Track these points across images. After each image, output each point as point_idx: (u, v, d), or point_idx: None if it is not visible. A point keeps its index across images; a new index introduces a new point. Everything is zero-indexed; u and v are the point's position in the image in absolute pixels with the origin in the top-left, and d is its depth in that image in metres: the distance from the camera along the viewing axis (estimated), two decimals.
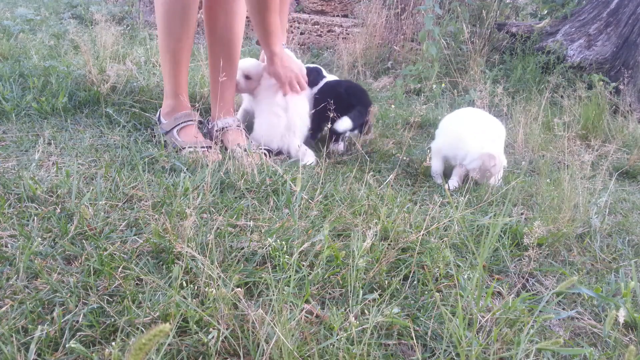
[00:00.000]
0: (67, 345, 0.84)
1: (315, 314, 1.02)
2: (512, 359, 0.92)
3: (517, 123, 2.51)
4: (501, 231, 1.46)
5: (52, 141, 1.72)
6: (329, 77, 2.28)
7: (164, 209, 1.30)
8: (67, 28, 3.59)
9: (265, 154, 1.88)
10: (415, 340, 0.96)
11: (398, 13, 4.27)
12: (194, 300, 0.97)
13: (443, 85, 3.51)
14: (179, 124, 1.89)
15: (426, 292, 1.14)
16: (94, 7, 4.75)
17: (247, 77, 2.06)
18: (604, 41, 3.59)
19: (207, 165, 1.52)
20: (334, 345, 0.92)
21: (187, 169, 1.61)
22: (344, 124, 1.96)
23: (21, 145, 1.67)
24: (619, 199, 1.98)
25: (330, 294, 1.11)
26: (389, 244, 1.25)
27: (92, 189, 1.36)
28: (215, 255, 1.09)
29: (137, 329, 0.91)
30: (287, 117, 1.98)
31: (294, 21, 4.88)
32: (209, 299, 0.95)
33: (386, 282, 1.15)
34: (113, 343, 0.78)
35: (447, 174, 2.04)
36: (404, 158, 2.06)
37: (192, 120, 1.88)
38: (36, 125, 1.87)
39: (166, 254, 1.13)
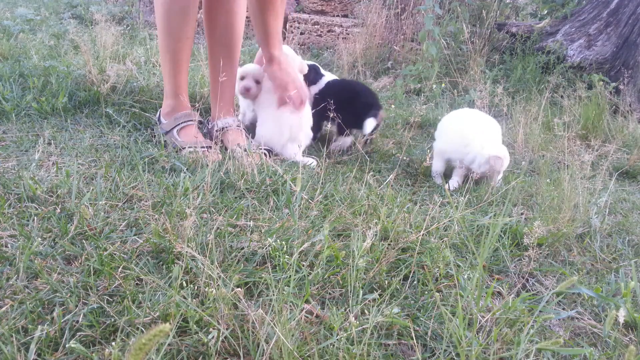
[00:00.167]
0: (67, 345, 0.84)
1: (315, 314, 1.02)
2: (512, 359, 0.92)
3: (517, 123, 2.51)
4: (501, 231, 1.46)
5: (52, 141, 1.72)
6: (327, 75, 2.29)
7: (164, 209, 1.30)
8: (67, 28, 3.59)
9: (265, 154, 1.88)
10: (415, 340, 0.97)
11: (398, 13, 4.27)
12: (194, 300, 0.97)
13: (443, 85, 3.51)
14: (179, 124, 1.89)
15: (426, 292, 1.14)
16: (94, 7, 4.75)
17: (258, 82, 2.03)
18: (604, 41, 3.59)
19: (207, 165, 1.52)
20: (334, 345, 0.92)
21: (187, 169, 1.61)
22: (370, 124, 2.01)
23: (21, 145, 1.67)
24: (619, 199, 1.98)
25: (330, 294, 1.11)
26: (389, 244, 1.25)
27: (92, 189, 1.36)
28: (215, 255, 1.09)
29: (137, 329, 0.91)
30: (291, 120, 1.98)
31: (294, 21, 4.87)
32: (209, 299, 0.95)
33: (386, 282, 1.15)
34: (113, 343, 0.78)
35: (446, 174, 2.04)
36: (404, 158, 2.06)
37: (192, 120, 1.88)
38: (36, 125, 1.87)
39: (166, 254, 1.13)
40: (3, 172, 1.44)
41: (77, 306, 0.94)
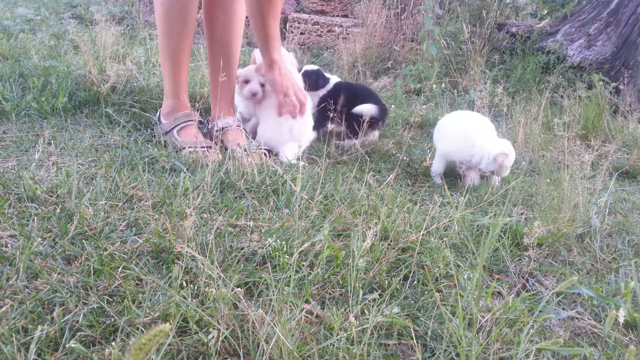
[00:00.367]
0: (67, 345, 0.84)
1: (315, 314, 1.02)
2: (512, 359, 0.92)
3: (517, 123, 2.51)
4: (501, 231, 1.46)
5: (52, 141, 1.72)
6: (333, 78, 2.33)
7: (164, 209, 1.30)
8: (67, 28, 3.59)
9: (265, 154, 1.88)
10: (415, 340, 0.97)
11: (398, 13, 4.27)
12: (194, 300, 0.97)
13: (443, 85, 3.51)
14: (179, 124, 1.89)
15: (426, 292, 1.14)
16: (94, 7, 4.76)
17: (263, 85, 2.01)
18: (604, 41, 3.59)
19: (207, 165, 1.52)
20: (334, 345, 0.92)
21: (187, 169, 1.61)
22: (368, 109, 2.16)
23: (21, 145, 1.67)
24: (619, 199, 1.98)
25: (330, 294, 1.11)
26: (389, 244, 1.25)
27: (92, 189, 1.36)
28: (215, 255, 1.09)
29: (137, 329, 0.91)
30: (293, 125, 1.97)
31: (294, 21, 4.87)
32: (209, 299, 0.95)
33: (386, 282, 1.15)
34: (113, 343, 0.78)
35: (445, 173, 2.04)
36: (404, 158, 2.06)
37: (192, 120, 1.88)
38: (36, 125, 1.87)
39: (166, 254, 1.13)
40: (3, 172, 1.44)
41: (77, 306, 0.94)
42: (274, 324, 0.87)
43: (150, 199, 1.34)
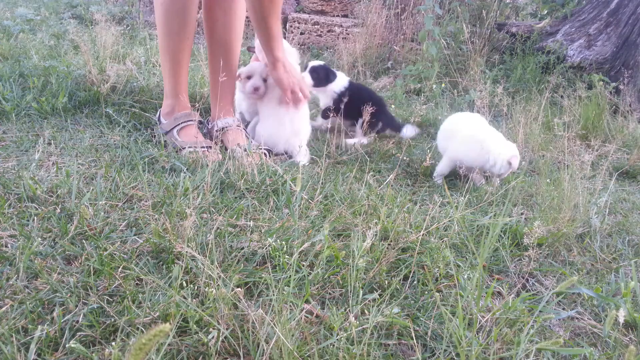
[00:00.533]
0: (67, 345, 0.84)
1: (315, 314, 1.02)
2: (512, 359, 0.92)
3: (517, 123, 2.50)
4: (501, 231, 1.46)
5: (52, 141, 1.72)
6: (341, 74, 2.36)
7: (164, 209, 1.30)
8: (67, 28, 3.59)
9: (265, 154, 1.88)
10: (415, 340, 0.96)
11: (398, 13, 4.27)
12: (194, 300, 0.97)
13: (443, 85, 3.51)
14: (179, 124, 1.89)
15: (426, 292, 1.14)
16: (94, 7, 4.76)
17: (265, 80, 2.01)
18: (604, 41, 3.59)
19: (207, 165, 1.52)
20: (334, 345, 0.92)
21: (187, 169, 1.61)
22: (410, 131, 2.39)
23: (21, 145, 1.67)
24: (619, 199, 1.98)
25: (330, 294, 1.11)
26: (389, 244, 1.25)
27: (92, 189, 1.36)
28: (215, 255, 1.09)
29: (137, 329, 0.91)
30: (293, 120, 1.98)
31: (294, 21, 4.87)
32: (209, 299, 0.95)
33: (386, 282, 1.15)
34: (113, 343, 0.78)
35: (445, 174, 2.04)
36: (404, 158, 2.06)
37: (192, 120, 1.88)
38: (36, 125, 1.87)
39: (166, 254, 1.13)
40: (3, 172, 1.44)
41: (77, 306, 0.94)
42: (274, 324, 0.87)
43: (150, 199, 1.34)
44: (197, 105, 1.94)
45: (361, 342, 0.91)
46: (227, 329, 0.91)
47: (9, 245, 1.10)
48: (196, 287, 1.02)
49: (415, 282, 1.18)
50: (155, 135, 1.92)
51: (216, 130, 1.94)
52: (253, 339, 0.90)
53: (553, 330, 1.12)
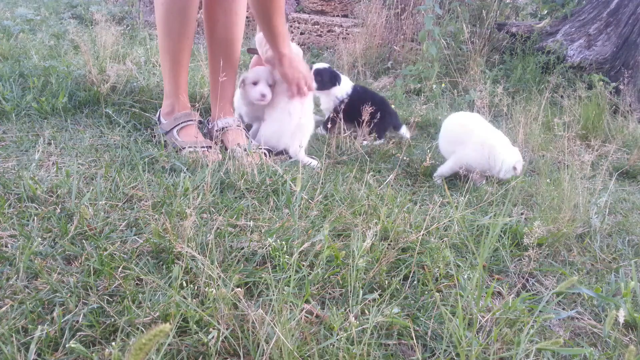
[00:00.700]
0: (67, 345, 0.84)
1: (315, 314, 1.02)
2: (512, 359, 0.92)
3: (517, 123, 2.50)
4: (501, 231, 1.46)
5: (52, 141, 1.72)
6: (345, 80, 2.36)
7: (164, 209, 1.30)
8: (67, 28, 3.59)
9: (265, 154, 1.88)
10: (415, 340, 0.96)
11: (398, 13, 4.27)
12: (194, 300, 0.97)
13: (443, 85, 3.51)
14: (179, 124, 1.89)
15: (426, 292, 1.14)
16: (94, 7, 4.76)
17: (271, 86, 2.00)
18: (604, 41, 3.59)
19: (207, 165, 1.52)
20: (334, 345, 0.92)
21: (187, 169, 1.61)
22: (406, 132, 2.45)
23: (21, 145, 1.67)
24: (619, 199, 1.98)
25: (330, 294, 1.11)
26: (389, 244, 1.25)
27: (92, 189, 1.36)
28: (215, 255, 1.09)
29: (137, 329, 0.91)
30: (297, 119, 1.98)
31: (294, 21, 4.88)
32: (209, 299, 0.95)
33: (386, 282, 1.15)
34: (113, 343, 0.78)
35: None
36: (404, 158, 2.06)
37: (192, 120, 1.88)
38: (36, 125, 1.87)
39: (166, 254, 1.13)
40: (3, 172, 1.44)
41: (77, 306, 0.94)
42: (274, 324, 0.87)
43: (150, 199, 1.34)
44: (197, 105, 1.94)
45: (361, 342, 0.91)
46: (227, 329, 0.91)
47: (9, 245, 1.10)
48: (196, 287, 1.02)
49: (415, 282, 1.18)
50: (155, 135, 1.92)
51: (216, 130, 1.94)
52: (253, 339, 0.90)
53: (553, 330, 1.12)
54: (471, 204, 1.72)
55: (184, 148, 1.81)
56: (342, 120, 2.20)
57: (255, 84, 1.98)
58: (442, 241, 1.32)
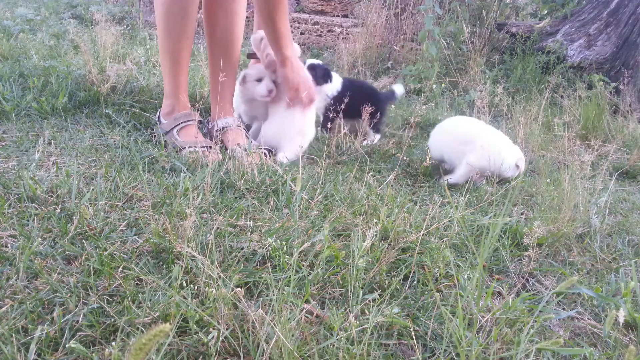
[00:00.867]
0: (67, 345, 0.84)
1: (315, 314, 1.02)
2: (512, 359, 0.92)
3: (517, 123, 2.51)
4: (501, 231, 1.46)
5: (52, 141, 1.72)
6: (335, 77, 2.36)
7: (164, 209, 1.30)
8: (67, 28, 3.59)
9: (265, 154, 1.88)
10: (415, 340, 0.96)
11: (398, 13, 4.27)
12: (194, 300, 0.97)
13: (443, 85, 3.51)
14: (179, 124, 1.89)
15: (426, 292, 1.14)
16: (94, 7, 4.76)
17: (274, 82, 1.99)
18: (604, 41, 3.59)
19: (207, 165, 1.52)
20: (334, 345, 0.92)
21: (187, 169, 1.61)
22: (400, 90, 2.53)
23: (21, 145, 1.67)
24: (619, 199, 1.98)
25: (330, 294, 1.11)
26: (389, 244, 1.25)
27: (92, 189, 1.36)
28: (215, 255, 1.09)
29: (137, 329, 0.91)
30: (299, 119, 1.98)
31: (294, 21, 4.88)
32: (209, 299, 0.95)
33: (386, 282, 1.15)
34: (113, 343, 0.78)
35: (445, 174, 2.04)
36: (404, 158, 2.06)
37: (192, 120, 1.88)
38: (36, 125, 1.87)
39: (166, 254, 1.13)
40: (3, 172, 1.44)
41: (77, 306, 0.94)
42: (274, 324, 0.87)
43: (150, 199, 1.34)
44: (197, 105, 1.94)
45: (361, 342, 0.91)
46: (227, 329, 0.91)
47: (9, 245, 1.10)
48: (196, 287, 1.02)
49: (415, 282, 1.18)
50: (155, 135, 1.92)
51: (216, 130, 1.94)
52: (253, 339, 0.90)
53: (553, 330, 1.12)
54: (471, 204, 1.72)
55: (184, 148, 1.81)
56: (341, 118, 2.20)
57: (259, 80, 1.98)
58: (442, 241, 1.32)
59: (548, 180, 1.87)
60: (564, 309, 1.21)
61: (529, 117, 2.55)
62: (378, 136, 2.37)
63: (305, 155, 2.02)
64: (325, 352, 0.91)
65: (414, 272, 1.20)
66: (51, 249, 1.10)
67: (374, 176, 1.72)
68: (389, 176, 1.68)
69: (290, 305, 0.97)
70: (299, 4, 5.20)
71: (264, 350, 0.86)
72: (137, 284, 1.04)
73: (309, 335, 0.93)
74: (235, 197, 1.47)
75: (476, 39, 3.76)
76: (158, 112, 2.01)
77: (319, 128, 2.35)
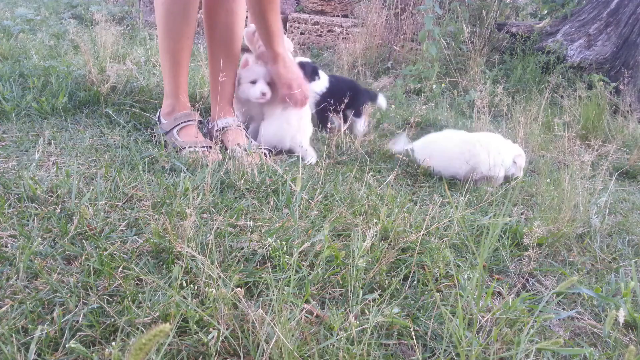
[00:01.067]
0: (67, 345, 0.84)
1: (315, 314, 1.02)
2: (512, 359, 0.92)
3: (517, 123, 2.51)
4: (501, 231, 1.46)
5: (52, 141, 1.72)
6: (322, 75, 2.39)
7: (164, 209, 1.30)
8: (67, 28, 3.59)
9: (265, 154, 1.88)
10: (415, 340, 0.97)
11: (398, 13, 4.27)
12: (194, 300, 0.97)
13: (443, 85, 3.51)
14: (179, 124, 1.89)
15: (426, 292, 1.14)
16: (94, 7, 4.76)
17: (269, 84, 1.98)
18: (604, 41, 3.59)
19: (207, 165, 1.52)
20: (334, 345, 0.92)
21: (187, 169, 1.61)
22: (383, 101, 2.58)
23: (21, 145, 1.67)
24: (619, 199, 1.98)
25: (330, 294, 1.11)
26: (389, 244, 1.25)
27: (92, 189, 1.36)
28: (215, 255, 1.09)
29: (137, 329, 0.91)
30: (296, 120, 1.99)
31: (294, 21, 4.87)
32: (209, 299, 0.95)
33: (386, 282, 1.15)
34: (113, 343, 0.78)
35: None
36: (404, 158, 2.06)
37: (192, 120, 1.88)
38: (36, 125, 1.87)
39: (166, 254, 1.13)
40: (3, 172, 1.44)
41: (77, 306, 0.94)
42: (274, 324, 0.87)
43: (150, 199, 1.34)
44: (197, 105, 1.94)
45: (361, 342, 0.91)
46: (227, 329, 0.91)
47: (9, 245, 1.10)
48: (196, 287, 1.02)
49: (415, 282, 1.18)
50: (155, 135, 1.92)
51: (216, 130, 1.94)
52: (253, 339, 0.90)
53: (553, 330, 1.12)
54: (471, 204, 1.72)
55: (184, 148, 1.81)
56: (329, 114, 2.24)
57: (253, 82, 1.98)
58: (442, 241, 1.32)
59: (548, 180, 1.87)
60: (564, 309, 1.21)
61: (529, 117, 2.55)
62: (362, 119, 2.40)
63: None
64: (325, 352, 0.91)
65: (414, 272, 1.20)
66: (51, 249, 1.10)
67: (374, 176, 1.72)
68: (389, 176, 1.68)
69: (290, 305, 0.97)
70: (299, 4, 5.20)
71: (264, 350, 0.86)
72: (137, 284, 1.04)
73: (309, 335, 0.93)
74: (235, 197, 1.47)
75: (476, 39, 3.76)
76: (158, 112, 2.01)
77: (317, 129, 2.37)
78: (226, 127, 1.98)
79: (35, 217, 1.20)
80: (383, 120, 2.65)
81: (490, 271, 1.32)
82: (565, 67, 3.54)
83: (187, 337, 0.90)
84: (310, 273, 1.11)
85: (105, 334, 0.90)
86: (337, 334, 0.94)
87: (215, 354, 0.87)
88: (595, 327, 1.14)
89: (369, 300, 1.07)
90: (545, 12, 4.41)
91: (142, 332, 0.90)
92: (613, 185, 1.98)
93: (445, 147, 1.99)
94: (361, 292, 1.07)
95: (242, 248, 1.18)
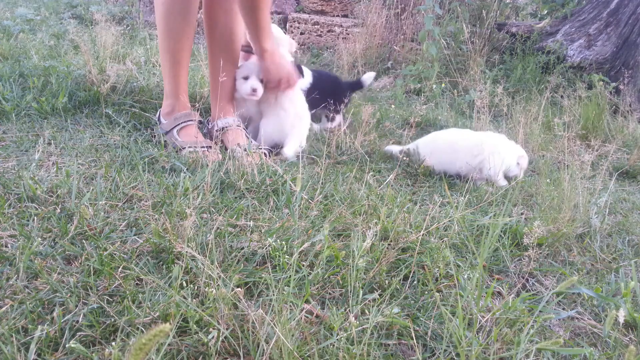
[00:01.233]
0: (67, 345, 0.84)
1: (315, 314, 1.02)
2: (512, 359, 0.92)
3: (517, 123, 2.51)
4: (501, 231, 1.46)
5: (52, 141, 1.72)
6: (305, 71, 2.42)
7: (164, 209, 1.30)
8: (67, 28, 3.59)
9: (265, 154, 1.88)
10: (415, 340, 0.97)
11: (398, 13, 4.27)
12: (194, 300, 0.97)
13: (443, 85, 3.51)
14: (179, 124, 1.89)
15: (426, 292, 1.14)
16: (94, 7, 4.76)
17: (262, 81, 1.99)
18: (604, 41, 3.59)
19: (207, 165, 1.52)
20: (334, 345, 0.92)
21: (187, 169, 1.61)
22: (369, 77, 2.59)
23: (21, 145, 1.67)
24: (619, 199, 1.98)
25: (330, 294, 1.11)
26: (389, 244, 1.25)
27: (92, 189, 1.36)
28: (215, 255, 1.09)
29: (137, 329, 0.91)
30: (293, 112, 2.01)
31: (294, 21, 4.87)
32: (209, 299, 0.95)
33: (386, 282, 1.15)
34: (113, 343, 0.78)
35: (446, 173, 2.04)
36: (404, 158, 2.06)
37: (192, 120, 1.88)
38: (36, 125, 1.87)
39: (166, 254, 1.13)
40: (3, 172, 1.44)
41: (77, 306, 0.94)
42: (274, 324, 0.87)
43: (150, 199, 1.34)
44: (197, 105, 1.94)
45: (361, 342, 0.91)
46: (227, 329, 0.91)
47: (9, 245, 1.10)
48: (196, 287, 1.02)
49: (415, 282, 1.18)
50: (155, 135, 1.93)
51: (216, 130, 1.94)
52: (253, 339, 0.90)
53: (553, 330, 1.12)
54: (471, 204, 1.72)
55: (184, 148, 1.81)
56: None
57: (245, 78, 1.99)
58: (442, 241, 1.32)
59: (548, 180, 1.87)
60: (564, 309, 1.21)
61: (529, 117, 2.55)
62: (338, 117, 2.49)
63: (305, 154, 2.03)
64: (325, 352, 0.91)
65: (414, 272, 1.20)
66: (51, 249, 1.10)
67: (374, 176, 1.72)
68: (389, 176, 1.68)
69: (290, 305, 0.97)
70: (299, 4, 5.20)
71: (264, 350, 0.86)
72: (137, 284, 1.04)
73: (309, 335, 0.93)
74: (235, 197, 1.47)
75: (476, 39, 3.76)
76: (158, 112, 2.01)
77: (317, 125, 2.39)
78: (226, 127, 1.98)
79: (35, 217, 1.20)
80: (383, 120, 2.65)
81: (490, 271, 1.32)
82: (565, 67, 3.54)
83: (187, 337, 0.90)
84: (310, 273, 1.11)
85: (105, 334, 0.90)
86: (337, 334, 0.94)
87: (215, 354, 0.87)
88: (595, 327, 1.14)
89: (369, 300, 1.07)
90: (545, 12, 4.41)
91: (142, 332, 0.90)
92: (613, 185, 1.98)
93: (453, 141, 2.03)
94: (361, 292, 1.07)
95: (242, 248, 1.18)
